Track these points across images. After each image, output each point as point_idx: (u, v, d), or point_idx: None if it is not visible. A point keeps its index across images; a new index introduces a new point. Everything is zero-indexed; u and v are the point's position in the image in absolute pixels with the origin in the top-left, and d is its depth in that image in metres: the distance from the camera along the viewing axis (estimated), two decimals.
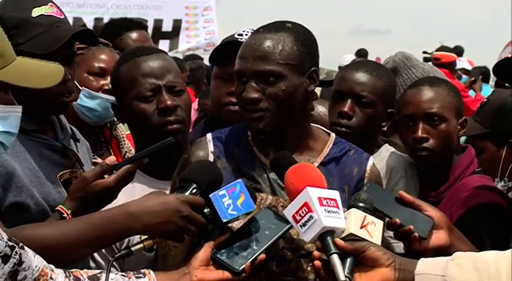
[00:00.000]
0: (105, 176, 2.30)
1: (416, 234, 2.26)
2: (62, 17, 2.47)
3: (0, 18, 2.38)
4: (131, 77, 2.66)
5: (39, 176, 2.36)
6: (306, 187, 2.09)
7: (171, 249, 2.33)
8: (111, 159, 2.32)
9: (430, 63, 7.60)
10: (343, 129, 2.92)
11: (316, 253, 2.07)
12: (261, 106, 2.29)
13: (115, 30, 4.18)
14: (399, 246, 2.43)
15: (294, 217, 2.09)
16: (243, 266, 2.11)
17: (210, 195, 2.14)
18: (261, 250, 2.14)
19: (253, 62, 2.29)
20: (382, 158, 3.07)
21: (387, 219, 2.35)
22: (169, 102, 2.61)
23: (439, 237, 2.30)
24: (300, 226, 2.08)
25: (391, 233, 2.39)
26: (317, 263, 2.06)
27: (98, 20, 12.35)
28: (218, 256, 2.14)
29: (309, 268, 2.27)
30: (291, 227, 2.19)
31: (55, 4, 2.47)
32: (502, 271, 1.96)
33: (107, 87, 3.25)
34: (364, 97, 2.95)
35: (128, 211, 2.11)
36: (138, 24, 4.30)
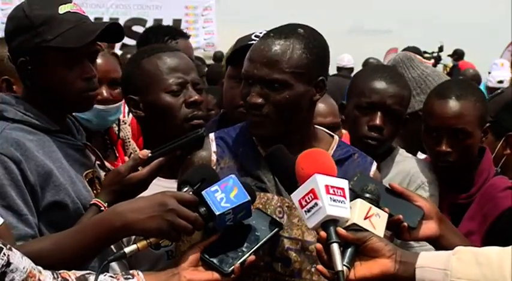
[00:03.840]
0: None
1: (405, 224, 2.25)
2: (86, 15, 2.47)
3: (27, 17, 2.37)
4: (158, 70, 2.68)
5: (70, 175, 2.37)
6: (315, 174, 2.06)
7: None
8: (144, 153, 2.35)
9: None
10: (375, 142, 2.91)
11: (318, 246, 2.04)
12: (262, 111, 2.28)
13: (157, 37, 4.15)
14: (424, 248, 2.42)
15: (300, 202, 2.06)
16: (232, 267, 2.08)
17: (202, 192, 2.10)
18: (250, 252, 2.11)
19: (260, 67, 2.27)
20: (396, 163, 3.06)
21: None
22: (197, 97, 2.65)
23: (428, 227, 2.29)
24: (305, 211, 2.05)
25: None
26: (318, 245, 2.03)
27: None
28: (207, 256, 2.10)
29: (313, 269, 2.27)
30: (281, 229, 2.19)
31: (76, 3, 2.47)
32: (505, 266, 1.94)
33: (100, 97, 3.22)
34: (394, 110, 2.94)
35: (115, 209, 2.11)
36: (182, 33, 4.29)
